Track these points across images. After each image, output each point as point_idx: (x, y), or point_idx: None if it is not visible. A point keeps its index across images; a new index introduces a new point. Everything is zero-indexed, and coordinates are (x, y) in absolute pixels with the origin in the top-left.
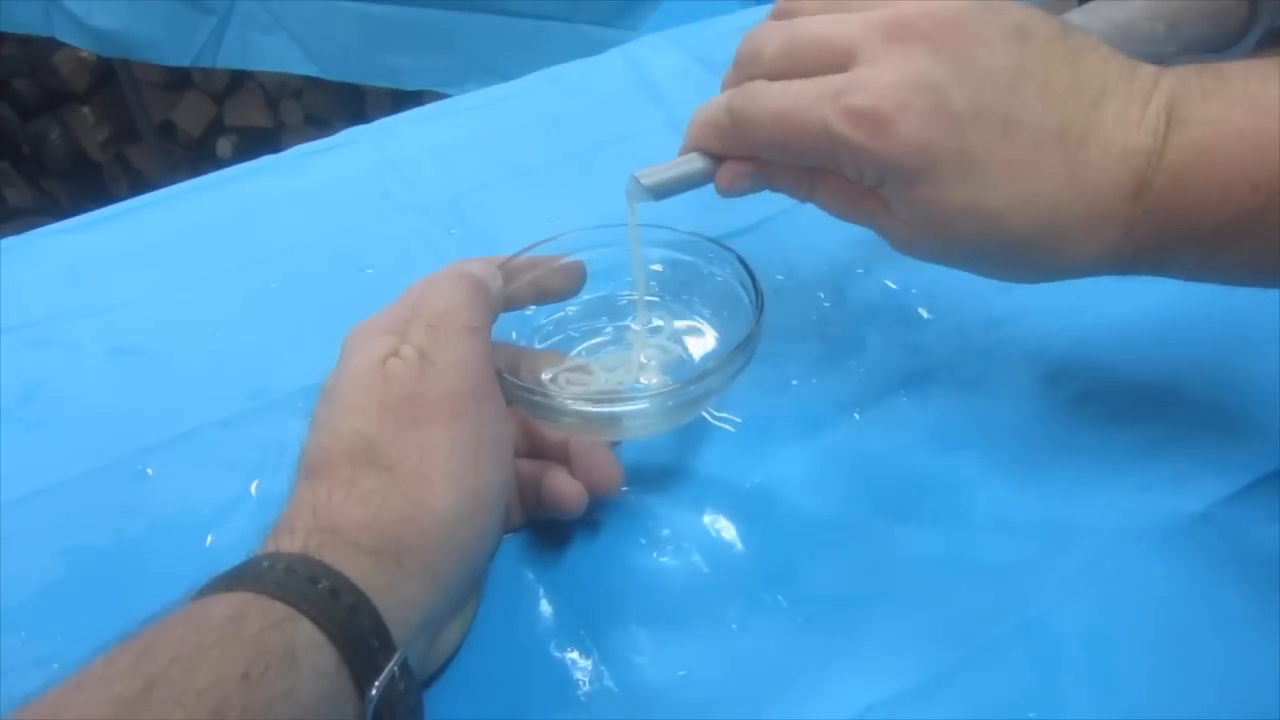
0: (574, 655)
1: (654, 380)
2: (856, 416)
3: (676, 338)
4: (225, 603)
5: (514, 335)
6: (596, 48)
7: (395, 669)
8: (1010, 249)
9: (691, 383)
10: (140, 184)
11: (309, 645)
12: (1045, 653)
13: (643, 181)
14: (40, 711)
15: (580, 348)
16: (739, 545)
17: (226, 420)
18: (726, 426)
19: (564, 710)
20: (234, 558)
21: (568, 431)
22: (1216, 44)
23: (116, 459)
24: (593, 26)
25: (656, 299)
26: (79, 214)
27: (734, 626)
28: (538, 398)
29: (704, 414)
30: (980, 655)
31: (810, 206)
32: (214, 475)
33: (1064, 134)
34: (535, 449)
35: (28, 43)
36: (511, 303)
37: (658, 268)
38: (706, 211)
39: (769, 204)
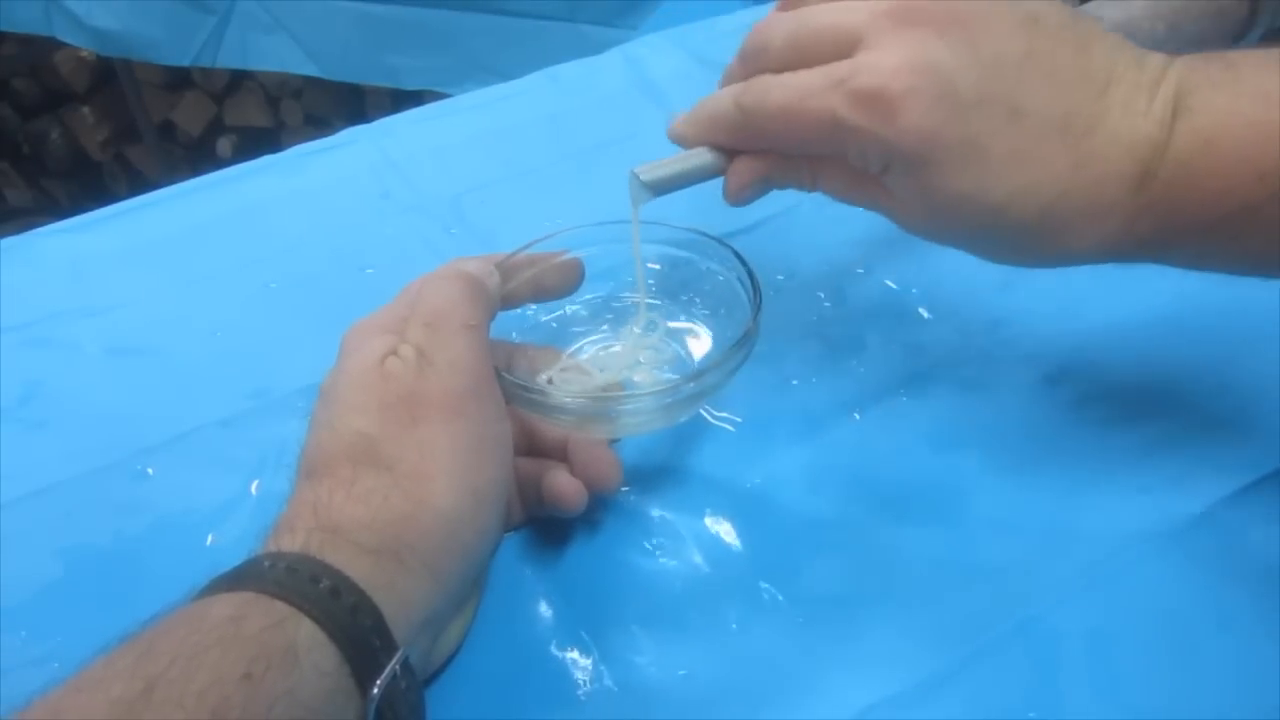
0: (574, 655)
1: (652, 378)
2: (856, 416)
3: (675, 336)
4: (226, 603)
5: (514, 335)
6: (596, 48)
7: (397, 668)
8: (1012, 236)
9: (690, 380)
10: (140, 184)
11: (310, 645)
12: (1045, 653)
13: (642, 178)
14: (41, 713)
15: (579, 344)
16: (739, 545)
17: (226, 420)
18: (726, 426)
19: (564, 710)
20: (234, 557)
21: (566, 429)
22: (1217, 44)
23: (116, 459)
24: (593, 26)
25: (657, 301)
26: (79, 214)
27: (734, 626)
28: (536, 396)
29: (704, 414)
30: (980, 655)
31: (810, 206)
32: (214, 475)
33: (1070, 123)
34: (534, 447)
35: (28, 42)
36: (510, 300)
37: (655, 266)
38: (706, 212)
39: (769, 204)
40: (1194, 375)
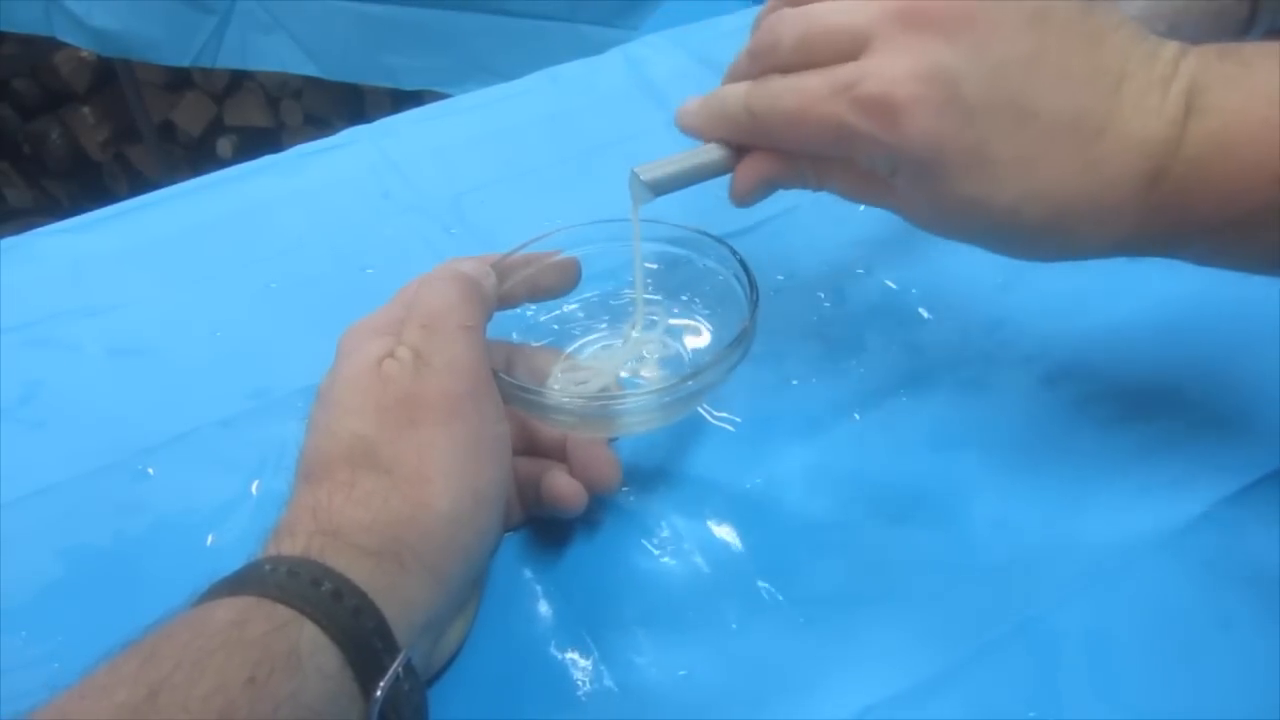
0: (574, 655)
1: (650, 376)
2: (856, 416)
3: (674, 333)
4: (228, 607)
5: (513, 335)
6: (596, 48)
7: (399, 670)
8: (1022, 237)
9: (688, 379)
10: (140, 184)
11: (313, 648)
12: (1045, 653)
13: (643, 177)
14: (46, 718)
15: (578, 344)
16: (739, 545)
17: (226, 420)
18: (726, 427)
19: (564, 710)
20: (234, 557)
21: (565, 429)
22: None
23: (116, 459)
24: (593, 26)
25: (657, 298)
26: (79, 214)
27: (734, 626)
28: (533, 396)
29: (704, 414)
30: (980, 655)
31: (810, 206)
32: (214, 475)
33: (1080, 124)
34: (533, 447)
35: (28, 43)
36: (507, 300)
37: (653, 265)
38: (706, 212)
39: (769, 204)
40: (1194, 375)
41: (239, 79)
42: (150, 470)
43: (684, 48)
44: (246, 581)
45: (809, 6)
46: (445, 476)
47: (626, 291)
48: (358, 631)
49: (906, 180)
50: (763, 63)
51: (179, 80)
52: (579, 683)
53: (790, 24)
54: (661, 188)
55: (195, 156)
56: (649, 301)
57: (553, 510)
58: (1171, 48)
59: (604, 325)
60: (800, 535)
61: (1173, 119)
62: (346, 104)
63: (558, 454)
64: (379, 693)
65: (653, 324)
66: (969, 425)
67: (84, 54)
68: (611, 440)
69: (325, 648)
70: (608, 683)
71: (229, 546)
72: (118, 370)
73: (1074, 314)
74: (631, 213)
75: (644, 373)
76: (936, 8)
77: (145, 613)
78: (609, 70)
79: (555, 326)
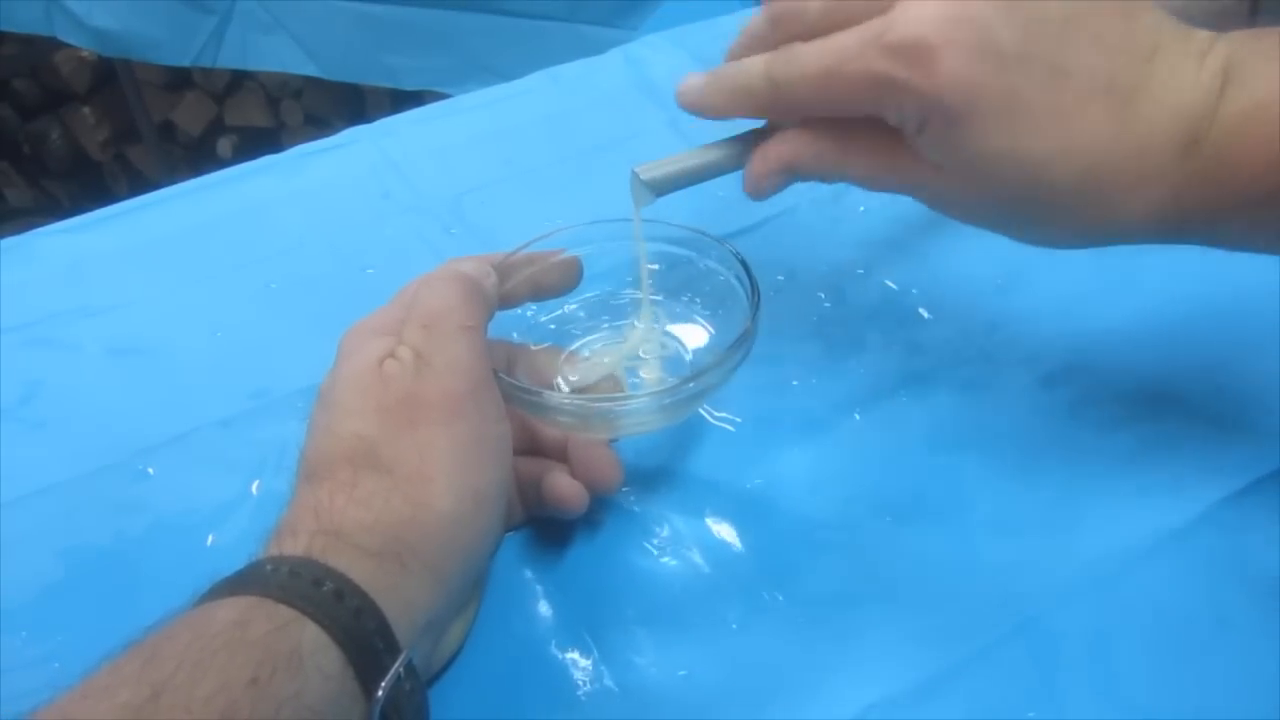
0: (574, 655)
1: (650, 377)
2: (856, 416)
3: (674, 335)
4: (230, 607)
5: (514, 335)
6: (596, 48)
7: (401, 670)
8: (1050, 202)
9: (688, 380)
10: (140, 184)
11: (315, 648)
12: (1045, 653)
13: (644, 177)
14: (48, 719)
15: (579, 343)
16: (739, 545)
17: (226, 420)
18: (727, 427)
19: (564, 710)
20: (234, 557)
21: (566, 430)
22: None
23: (116, 459)
24: (593, 26)
25: (658, 297)
26: (79, 214)
27: (734, 626)
28: (534, 397)
29: (704, 414)
30: (980, 655)
31: (810, 206)
32: (214, 475)
33: (1113, 86)
34: (534, 447)
35: (28, 43)
36: (508, 300)
37: (654, 266)
38: (707, 212)
39: (769, 204)
40: (1193, 376)
41: (239, 79)
42: (150, 470)
43: (684, 48)
44: (248, 581)
45: None
46: (446, 476)
47: (627, 291)
48: (359, 632)
49: (935, 138)
50: (787, 29)
51: (179, 80)
52: (579, 683)
53: None
54: (662, 188)
55: (195, 156)
56: (652, 299)
57: (554, 511)
58: (1205, 30)
59: (605, 325)
60: (800, 535)
61: (1209, 89)
62: (347, 104)
63: (559, 454)
64: (380, 693)
65: (655, 323)
66: (969, 425)
67: (84, 54)
68: (612, 441)
69: (327, 648)
70: (608, 683)
71: (229, 547)
72: (118, 370)
73: (1074, 314)
74: (634, 212)
75: (644, 373)
76: None
77: (145, 613)
78: (609, 70)
79: (555, 326)
